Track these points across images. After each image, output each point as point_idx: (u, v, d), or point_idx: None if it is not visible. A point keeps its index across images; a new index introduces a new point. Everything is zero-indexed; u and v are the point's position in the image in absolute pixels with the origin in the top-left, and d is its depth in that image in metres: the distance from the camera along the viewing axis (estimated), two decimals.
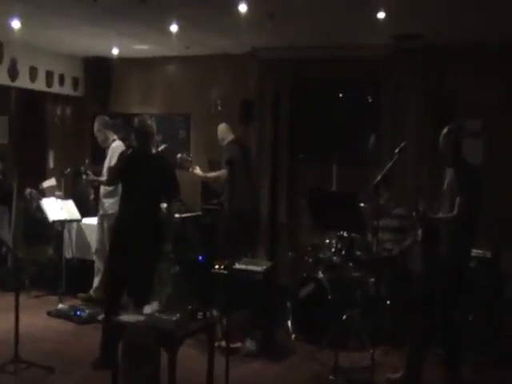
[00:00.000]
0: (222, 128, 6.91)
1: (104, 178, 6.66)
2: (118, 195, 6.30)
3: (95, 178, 6.76)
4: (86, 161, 7.00)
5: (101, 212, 6.84)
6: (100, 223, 6.88)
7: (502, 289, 5.73)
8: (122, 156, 5.40)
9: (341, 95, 7.73)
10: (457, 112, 6.67)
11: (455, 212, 4.67)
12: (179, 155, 6.89)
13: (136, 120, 5.38)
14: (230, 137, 6.86)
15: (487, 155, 6.64)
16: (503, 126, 6.72)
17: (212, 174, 6.86)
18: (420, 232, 5.10)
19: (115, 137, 6.88)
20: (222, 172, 6.40)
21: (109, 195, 6.71)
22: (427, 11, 5.66)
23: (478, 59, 6.82)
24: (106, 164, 6.71)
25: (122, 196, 5.30)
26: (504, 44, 6.50)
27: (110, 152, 6.73)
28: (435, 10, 5.59)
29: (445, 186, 4.89)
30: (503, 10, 5.41)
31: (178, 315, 4.23)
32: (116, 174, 5.37)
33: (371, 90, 7.57)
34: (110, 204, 6.71)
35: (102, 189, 6.81)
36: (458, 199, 4.67)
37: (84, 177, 6.77)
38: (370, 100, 7.58)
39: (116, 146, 6.73)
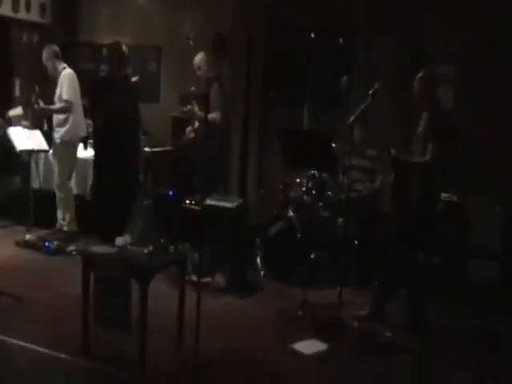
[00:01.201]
0: (201, 56, 6.69)
1: (56, 106, 6.71)
2: (70, 123, 6.64)
3: (46, 106, 6.74)
4: (36, 88, 6.82)
5: (54, 141, 6.80)
6: (54, 153, 6.86)
7: (468, 233, 5.86)
8: (95, 87, 5.27)
9: (313, 36, 7.64)
10: (430, 58, 6.66)
11: (427, 157, 4.72)
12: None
13: (109, 46, 5.19)
14: (211, 72, 6.66)
15: (458, 101, 6.68)
16: (474, 72, 6.75)
17: (211, 115, 6.57)
18: (391, 175, 5.14)
19: (65, 65, 6.83)
20: (217, 115, 6.31)
21: (61, 124, 6.72)
22: None
23: (452, 4, 6.79)
24: (58, 91, 6.71)
25: (97, 127, 5.19)
26: None
27: (60, 79, 6.72)
28: None
29: (419, 131, 4.93)
30: None
31: (150, 248, 4.25)
32: (103, 109, 5.21)
33: (345, 31, 7.50)
34: (61, 133, 6.72)
35: (55, 118, 6.78)
36: (430, 145, 4.72)
37: (35, 106, 6.70)
38: (344, 42, 7.51)
39: (67, 73, 6.74)
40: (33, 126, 7.11)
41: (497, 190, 6.19)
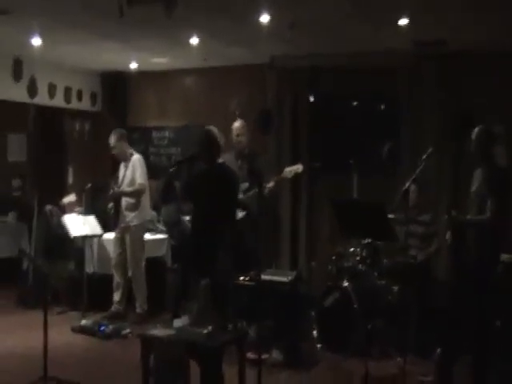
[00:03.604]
0: (241, 124, 6.69)
1: (130, 189, 6.81)
2: (141, 207, 6.78)
3: (121, 190, 6.85)
4: (117, 174, 7.03)
5: (122, 224, 6.87)
6: (119, 237, 6.92)
7: None
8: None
9: (357, 103, 7.71)
10: (475, 120, 6.62)
11: (488, 214, 4.61)
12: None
13: (204, 131, 5.12)
14: (247, 140, 6.70)
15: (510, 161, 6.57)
16: None
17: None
18: (449, 235, 5.01)
19: (132, 150, 6.99)
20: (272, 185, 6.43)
21: (132, 208, 6.83)
22: (446, 18, 5.68)
23: (496, 65, 6.80)
24: (129, 176, 6.83)
25: (193, 216, 5.17)
26: None
27: (131, 164, 6.86)
28: (453, 16, 5.61)
29: (473, 189, 4.83)
30: None
31: (210, 328, 4.20)
32: (184, 193, 5.25)
33: (389, 98, 7.56)
34: (132, 216, 6.82)
35: (124, 201, 6.86)
36: (489, 201, 4.61)
37: (111, 191, 6.84)
38: (388, 108, 7.56)
39: (138, 158, 6.91)
40: (86, 211, 7.26)
41: None
